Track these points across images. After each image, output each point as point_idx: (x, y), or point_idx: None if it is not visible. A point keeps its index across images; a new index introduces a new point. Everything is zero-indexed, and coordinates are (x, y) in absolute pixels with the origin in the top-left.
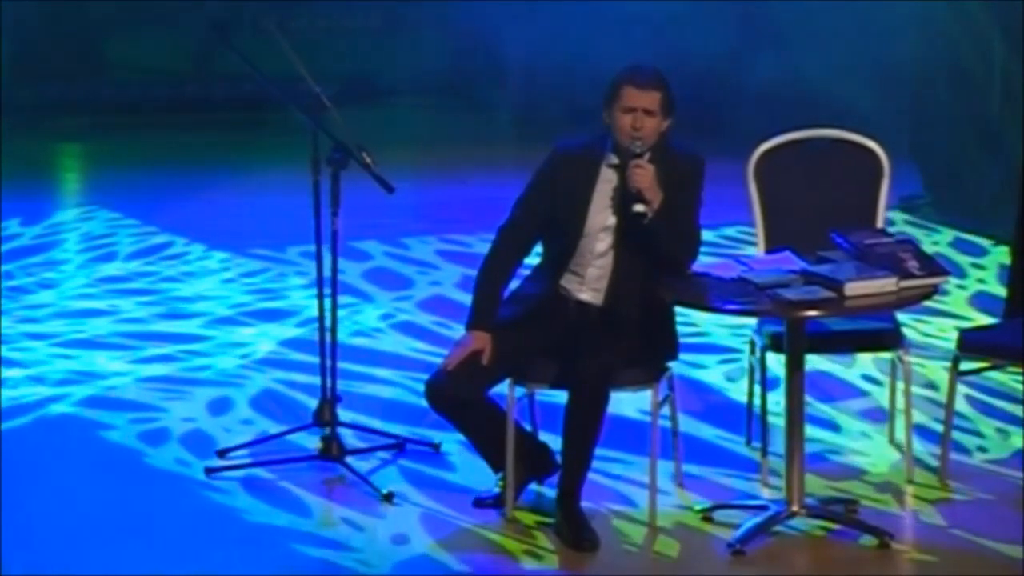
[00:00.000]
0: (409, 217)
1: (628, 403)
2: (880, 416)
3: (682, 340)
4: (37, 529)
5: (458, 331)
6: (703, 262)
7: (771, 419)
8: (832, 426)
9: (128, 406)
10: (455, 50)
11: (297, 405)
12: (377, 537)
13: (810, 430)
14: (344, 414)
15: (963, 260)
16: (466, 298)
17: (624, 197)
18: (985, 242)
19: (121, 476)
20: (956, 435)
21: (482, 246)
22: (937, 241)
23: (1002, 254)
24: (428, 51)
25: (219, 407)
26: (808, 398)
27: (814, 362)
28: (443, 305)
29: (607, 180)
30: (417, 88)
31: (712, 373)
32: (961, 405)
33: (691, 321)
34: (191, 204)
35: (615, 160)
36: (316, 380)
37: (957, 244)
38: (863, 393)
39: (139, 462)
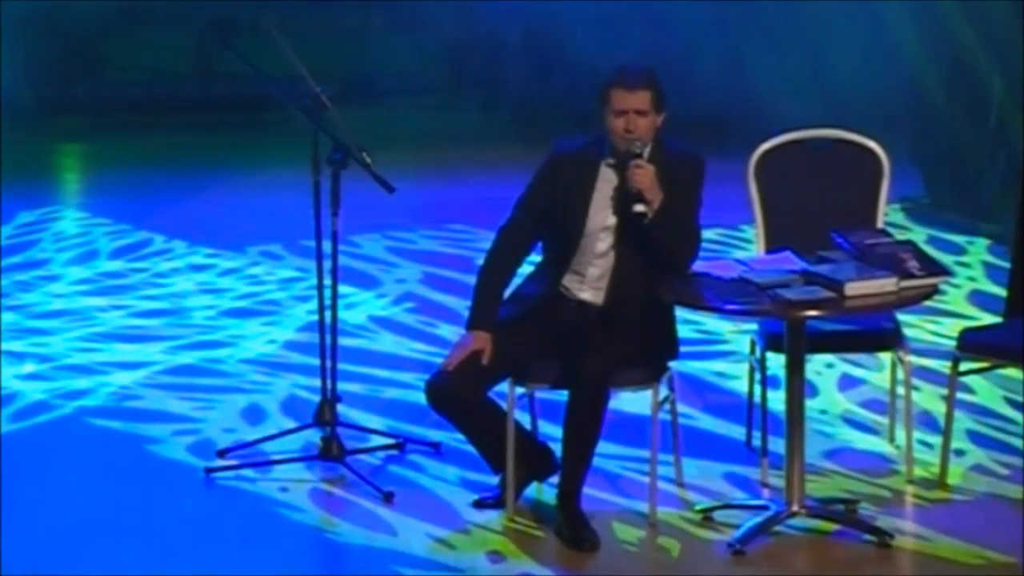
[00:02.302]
0: (408, 216)
1: (629, 401)
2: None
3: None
4: (38, 530)
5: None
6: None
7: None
8: (834, 426)
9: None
10: (455, 49)
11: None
12: (378, 537)
13: (814, 428)
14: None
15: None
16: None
17: (624, 197)
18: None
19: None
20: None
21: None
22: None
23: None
24: (428, 51)
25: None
26: (814, 398)
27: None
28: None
29: (607, 180)
30: (417, 88)
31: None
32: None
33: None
34: (188, 204)
35: (613, 160)
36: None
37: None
38: (866, 392)
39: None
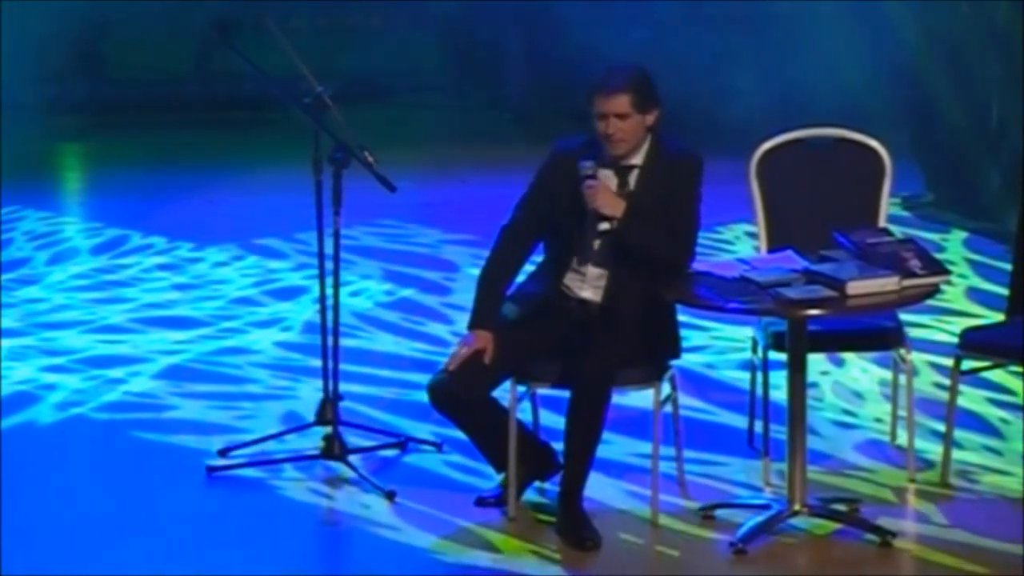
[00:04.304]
0: (407, 215)
1: (632, 398)
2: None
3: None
4: (39, 530)
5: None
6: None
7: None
8: (837, 425)
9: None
10: (455, 49)
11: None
12: (380, 536)
13: (816, 427)
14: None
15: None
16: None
17: (592, 219)
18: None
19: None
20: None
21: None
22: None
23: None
24: (429, 50)
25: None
26: (815, 398)
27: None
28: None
29: (606, 179)
30: (417, 87)
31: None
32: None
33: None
34: (190, 204)
35: (590, 171)
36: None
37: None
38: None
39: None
